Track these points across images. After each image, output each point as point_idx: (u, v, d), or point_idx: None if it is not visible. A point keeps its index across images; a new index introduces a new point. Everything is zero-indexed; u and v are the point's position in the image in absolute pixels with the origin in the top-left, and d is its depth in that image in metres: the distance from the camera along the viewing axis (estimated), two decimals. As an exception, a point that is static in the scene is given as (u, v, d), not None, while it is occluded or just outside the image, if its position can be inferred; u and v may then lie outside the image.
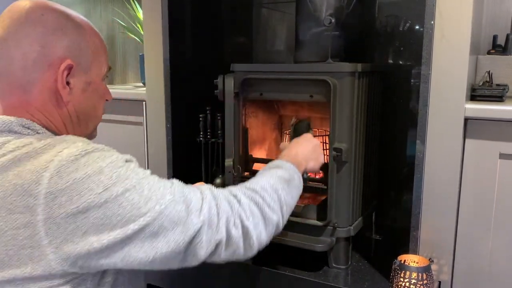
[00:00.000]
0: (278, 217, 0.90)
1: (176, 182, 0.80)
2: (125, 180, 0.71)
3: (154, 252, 0.72)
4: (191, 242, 0.76)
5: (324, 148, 1.50)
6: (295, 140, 1.20)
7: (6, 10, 0.80)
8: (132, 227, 0.70)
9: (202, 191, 0.82)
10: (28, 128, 0.77)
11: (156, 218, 0.71)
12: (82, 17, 0.86)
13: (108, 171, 0.70)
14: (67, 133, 0.84)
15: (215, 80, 1.41)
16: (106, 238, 0.69)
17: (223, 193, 0.84)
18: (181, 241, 0.74)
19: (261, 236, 0.86)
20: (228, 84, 1.38)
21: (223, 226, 0.79)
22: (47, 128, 0.80)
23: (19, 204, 0.67)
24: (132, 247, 0.71)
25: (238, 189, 0.88)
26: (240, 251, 0.84)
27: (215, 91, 1.42)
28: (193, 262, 0.79)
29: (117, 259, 0.71)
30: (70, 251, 0.68)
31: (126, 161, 0.75)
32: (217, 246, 0.80)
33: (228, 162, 1.42)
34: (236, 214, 0.82)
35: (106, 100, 0.92)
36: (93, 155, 0.71)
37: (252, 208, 0.85)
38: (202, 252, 0.78)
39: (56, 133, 0.82)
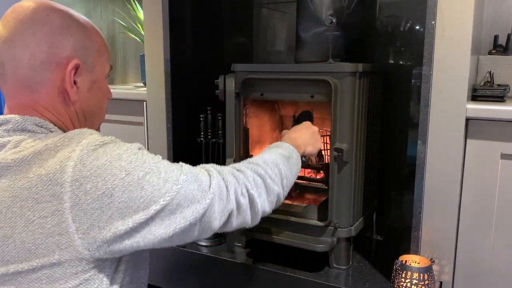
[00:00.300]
0: (279, 189, 0.98)
1: (184, 164, 0.85)
2: (144, 164, 0.75)
3: (173, 228, 0.77)
4: (205, 214, 0.81)
5: (325, 148, 1.50)
6: (295, 126, 1.28)
7: (9, 11, 0.80)
8: (154, 207, 0.74)
9: (207, 169, 0.87)
10: (42, 127, 0.79)
11: (174, 198, 0.76)
12: (83, 16, 0.87)
13: (126, 157, 0.74)
14: None
15: (215, 80, 1.41)
16: (131, 221, 0.72)
17: (227, 169, 0.91)
18: (196, 215, 0.79)
19: (264, 204, 0.94)
20: (229, 84, 1.38)
21: (232, 196, 0.86)
22: (58, 127, 0.82)
23: (45, 193, 0.70)
24: (153, 226, 0.75)
25: (241, 164, 0.96)
26: (248, 219, 0.92)
27: (216, 91, 1.42)
28: (208, 233, 0.85)
29: (140, 239, 0.75)
30: (96, 236, 0.71)
31: (139, 148, 0.79)
32: (229, 215, 0.87)
33: (229, 162, 1.42)
34: (242, 184, 0.89)
35: (108, 98, 0.94)
36: (110, 145, 0.75)
37: (256, 179, 0.93)
38: (216, 223, 0.84)
39: (65, 131, 0.82)
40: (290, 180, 1.03)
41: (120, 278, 0.80)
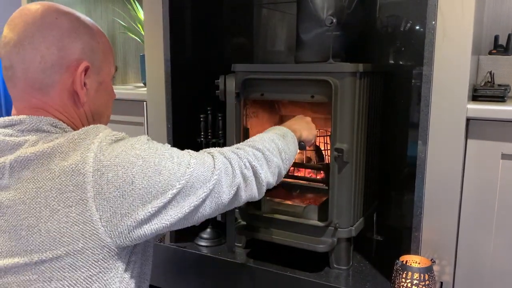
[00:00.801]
0: (278, 160, 1.03)
1: (188, 150, 0.89)
2: (157, 151, 0.79)
3: (188, 207, 0.81)
4: (213, 190, 0.86)
5: (325, 148, 1.50)
6: (288, 120, 1.32)
7: (17, 14, 0.81)
8: (171, 191, 0.78)
9: (210, 151, 0.93)
10: (56, 127, 0.80)
11: (188, 180, 0.81)
12: (89, 19, 0.89)
13: (139, 146, 0.78)
14: None
15: (216, 81, 1.41)
16: (150, 206, 0.76)
17: (227, 148, 0.97)
18: (207, 191, 0.84)
19: (267, 175, 0.99)
20: (229, 85, 1.38)
21: (238, 171, 0.92)
22: (70, 127, 0.84)
23: (69, 183, 0.72)
24: (170, 209, 0.79)
25: (239, 144, 1.03)
26: (255, 191, 0.98)
27: (216, 91, 1.41)
28: (220, 209, 0.90)
29: (158, 222, 0.78)
30: (118, 223, 0.74)
31: (148, 139, 0.82)
32: (237, 189, 0.92)
33: None
34: (244, 158, 0.95)
35: (113, 98, 0.96)
36: (123, 139, 0.79)
37: (255, 153, 0.98)
38: (226, 197, 0.89)
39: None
40: (288, 154, 1.08)
41: (131, 269, 0.83)
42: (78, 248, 0.72)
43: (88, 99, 0.85)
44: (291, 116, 1.59)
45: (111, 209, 0.73)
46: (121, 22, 2.30)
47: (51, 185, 0.72)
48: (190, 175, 0.81)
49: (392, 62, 1.65)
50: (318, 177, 1.44)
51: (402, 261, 1.21)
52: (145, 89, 1.69)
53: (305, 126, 1.25)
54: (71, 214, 0.72)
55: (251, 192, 0.97)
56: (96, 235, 0.73)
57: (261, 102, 1.51)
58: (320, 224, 1.34)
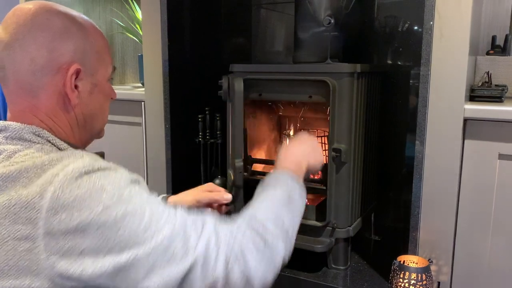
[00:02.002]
0: (284, 248, 0.83)
1: (179, 212, 0.76)
2: (127, 203, 0.69)
3: (148, 283, 0.70)
4: (185, 279, 0.72)
5: (323, 148, 1.50)
6: (292, 141, 1.15)
7: (10, 14, 0.80)
8: (126, 254, 0.68)
9: (204, 225, 0.77)
10: (39, 136, 0.78)
11: (151, 250, 0.69)
12: (85, 17, 0.86)
13: (111, 190, 0.69)
14: (74, 136, 0.85)
15: (219, 81, 1.39)
16: (101, 261, 0.68)
17: (226, 230, 0.78)
18: (173, 277, 0.71)
19: (265, 275, 0.79)
20: (237, 85, 1.34)
21: (220, 266, 0.74)
22: (55, 134, 0.81)
23: (22, 215, 0.67)
24: (124, 276, 0.69)
25: (241, 223, 0.81)
26: None
27: (219, 91, 1.39)
28: None
29: (110, 284, 0.70)
30: (66, 268, 0.68)
31: (132, 181, 0.73)
32: (215, 284, 0.74)
33: (239, 162, 1.37)
34: (238, 253, 0.76)
35: (111, 98, 0.93)
36: (98, 173, 0.70)
37: (257, 244, 0.78)
38: None
39: (63, 138, 0.82)
40: (296, 225, 0.90)
41: None
42: (25, 285, 0.67)
43: (80, 101, 0.83)
44: (290, 117, 1.60)
45: (60, 251, 0.67)
46: (119, 22, 2.30)
47: (6, 213, 0.68)
48: (156, 245, 0.69)
49: (390, 62, 1.65)
50: (315, 177, 1.44)
51: (400, 261, 1.21)
52: (143, 89, 1.69)
53: (310, 153, 1.07)
54: (19, 248, 0.67)
55: None
56: (43, 274, 0.67)
57: (259, 102, 1.51)
58: (318, 224, 1.34)
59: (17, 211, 0.68)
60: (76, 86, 0.81)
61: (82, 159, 0.71)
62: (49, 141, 0.79)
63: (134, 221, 0.69)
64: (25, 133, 0.77)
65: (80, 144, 0.87)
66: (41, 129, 0.79)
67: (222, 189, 1.13)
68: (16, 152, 0.74)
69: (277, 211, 0.86)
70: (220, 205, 1.12)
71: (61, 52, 0.78)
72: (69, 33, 0.80)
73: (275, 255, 0.81)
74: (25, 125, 0.78)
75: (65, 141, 0.81)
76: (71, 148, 0.81)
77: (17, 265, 0.68)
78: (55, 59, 0.78)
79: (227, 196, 1.11)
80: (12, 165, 0.72)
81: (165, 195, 1.14)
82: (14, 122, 0.78)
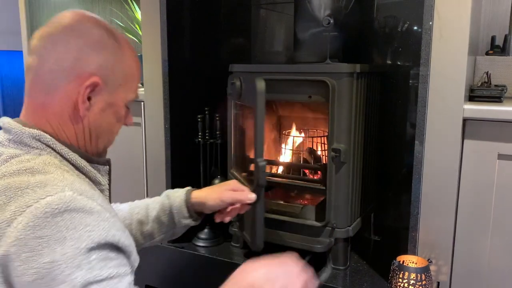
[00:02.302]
0: None
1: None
2: (75, 271, 0.66)
3: None
4: None
5: (323, 149, 1.50)
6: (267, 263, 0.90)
7: (58, 14, 0.82)
8: None
9: None
10: (39, 141, 0.78)
11: None
12: (125, 37, 0.86)
13: (69, 246, 0.66)
14: (78, 146, 0.84)
15: (231, 81, 1.35)
16: None
17: None
18: None
19: None
20: (260, 85, 1.25)
21: None
22: (58, 139, 0.80)
23: None
24: None
25: None
26: None
27: (228, 92, 1.36)
28: None
29: None
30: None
31: (97, 246, 0.69)
32: None
33: (261, 162, 1.27)
34: None
35: (125, 124, 0.92)
36: (71, 216, 0.68)
37: None
38: None
39: (67, 144, 0.82)
40: None
41: None
42: None
43: (89, 114, 0.82)
44: (288, 118, 1.60)
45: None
46: (119, 23, 2.30)
47: None
48: None
49: (389, 62, 1.65)
50: (315, 178, 1.44)
51: (399, 261, 1.21)
52: (143, 89, 1.69)
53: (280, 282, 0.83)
54: None
55: None
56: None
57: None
58: (318, 224, 1.34)
59: None
60: (89, 98, 0.81)
61: (62, 194, 0.69)
62: (49, 146, 0.79)
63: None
64: (25, 137, 0.77)
65: (89, 154, 0.85)
66: (42, 133, 0.78)
67: (246, 188, 1.13)
68: (13, 158, 0.75)
69: None
70: (243, 204, 1.12)
71: (87, 62, 0.79)
72: (103, 46, 0.81)
73: None
74: (27, 128, 0.78)
75: (68, 147, 0.81)
76: (71, 153, 0.80)
77: None
78: (78, 67, 0.79)
79: (251, 196, 1.10)
80: (2, 177, 0.71)
81: (189, 188, 1.13)
82: (18, 124, 0.79)
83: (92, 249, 0.68)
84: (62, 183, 0.71)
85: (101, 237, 0.70)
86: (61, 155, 0.79)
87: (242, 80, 1.34)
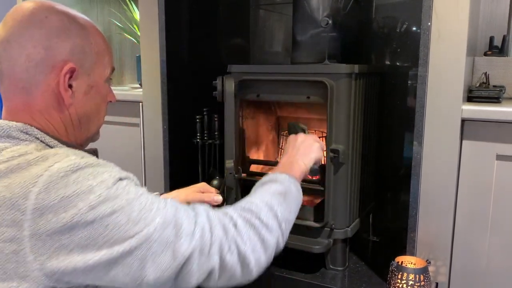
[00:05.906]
0: (277, 237, 0.85)
1: (170, 202, 0.77)
2: (114, 200, 0.69)
3: (142, 277, 0.70)
4: (181, 270, 0.73)
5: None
6: (289, 142, 1.13)
7: (10, 11, 0.80)
8: (118, 249, 0.68)
9: (196, 213, 0.78)
10: (26, 133, 0.77)
11: (143, 242, 0.70)
12: (85, 17, 0.86)
13: (98, 189, 0.68)
14: (68, 136, 0.84)
15: (213, 82, 1.40)
16: (92, 257, 0.68)
17: (219, 217, 0.80)
18: (170, 267, 0.72)
19: (260, 259, 0.82)
20: (228, 85, 1.36)
21: (215, 253, 0.75)
22: (46, 132, 0.80)
23: (7, 217, 0.67)
24: (119, 270, 0.69)
25: (233, 211, 0.84)
26: (237, 277, 0.80)
27: (214, 92, 1.40)
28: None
29: (103, 281, 0.70)
30: (55, 269, 0.67)
31: (120, 179, 0.72)
32: (210, 273, 0.76)
33: (229, 163, 1.39)
34: (232, 239, 0.78)
35: (110, 101, 0.92)
36: (85, 171, 0.69)
37: (249, 232, 0.81)
38: (193, 280, 0.75)
39: (56, 137, 0.81)
40: (289, 220, 0.91)
41: None
42: (13, 286, 0.67)
43: (74, 101, 0.82)
44: (288, 118, 1.60)
45: (47, 252, 0.67)
46: (117, 23, 2.29)
47: None
48: (147, 237, 0.69)
49: (388, 63, 1.65)
50: (314, 178, 1.44)
51: (398, 262, 1.21)
52: (141, 90, 1.69)
53: (309, 152, 1.07)
54: (5, 250, 0.67)
55: (231, 279, 0.79)
56: (30, 277, 0.67)
57: (257, 103, 1.51)
58: (316, 225, 1.34)
59: (1, 213, 0.67)
60: (70, 86, 0.80)
61: (68, 158, 0.70)
62: (38, 138, 0.78)
63: (122, 217, 0.69)
64: (13, 131, 0.76)
65: (76, 144, 0.86)
66: (29, 126, 0.78)
67: (214, 190, 1.13)
68: (2, 150, 0.74)
69: (272, 203, 0.87)
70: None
71: (57, 50, 0.78)
72: (67, 32, 0.79)
73: (268, 247, 0.83)
74: (14, 123, 0.77)
75: (57, 139, 0.80)
76: (60, 145, 0.80)
77: (4, 268, 0.67)
78: (50, 57, 0.78)
79: (217, 198, 1.11)
80: (2, 158, 0.71)
81: (157, 193, 1.14)
82: (4, 121, 0.78)
83: (119, 179, 0.72)
84: (62, 153, 0.72)
85: (122, 173, 0.74)
86: (50, 147, 0.78)
87: (223, 80, 1.36)
